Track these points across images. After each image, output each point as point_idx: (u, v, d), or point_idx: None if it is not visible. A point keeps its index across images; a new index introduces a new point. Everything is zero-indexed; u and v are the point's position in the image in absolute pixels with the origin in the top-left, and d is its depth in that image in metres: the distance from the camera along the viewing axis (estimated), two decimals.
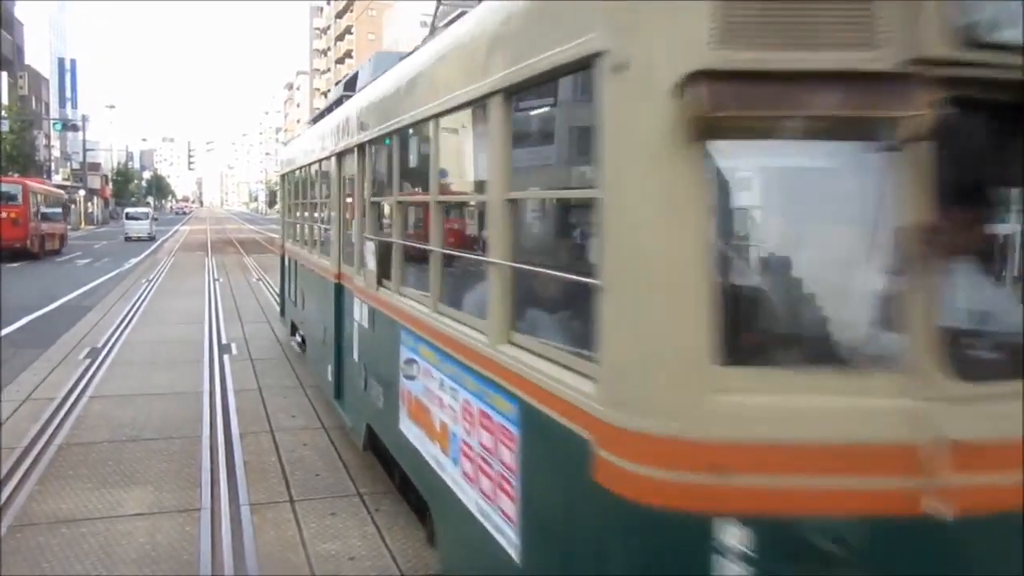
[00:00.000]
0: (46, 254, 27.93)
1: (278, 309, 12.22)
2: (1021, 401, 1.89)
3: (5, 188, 26.25)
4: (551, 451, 2.37)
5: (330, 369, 6.44)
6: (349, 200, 5.90)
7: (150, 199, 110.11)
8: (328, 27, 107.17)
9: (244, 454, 5.91)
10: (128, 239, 39.57)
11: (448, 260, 3.51)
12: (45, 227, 28.53)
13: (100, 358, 9.42)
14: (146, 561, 4.19)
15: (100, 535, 4.49)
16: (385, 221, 4.82)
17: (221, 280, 19.47)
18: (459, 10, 3.58)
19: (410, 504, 4.63)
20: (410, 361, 3.78)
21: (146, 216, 43.25)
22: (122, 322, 12.28)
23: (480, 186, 3.08)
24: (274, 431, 6.54)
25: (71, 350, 9.88)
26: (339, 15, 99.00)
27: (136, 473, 5.51)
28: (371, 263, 4.82)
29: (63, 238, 32.02)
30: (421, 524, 4.41)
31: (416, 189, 4.26)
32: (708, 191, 1.93)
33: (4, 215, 25.13)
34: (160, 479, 5.40)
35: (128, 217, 42.99)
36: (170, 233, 49.86)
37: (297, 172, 9.32)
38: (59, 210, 32.36)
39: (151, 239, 40.43)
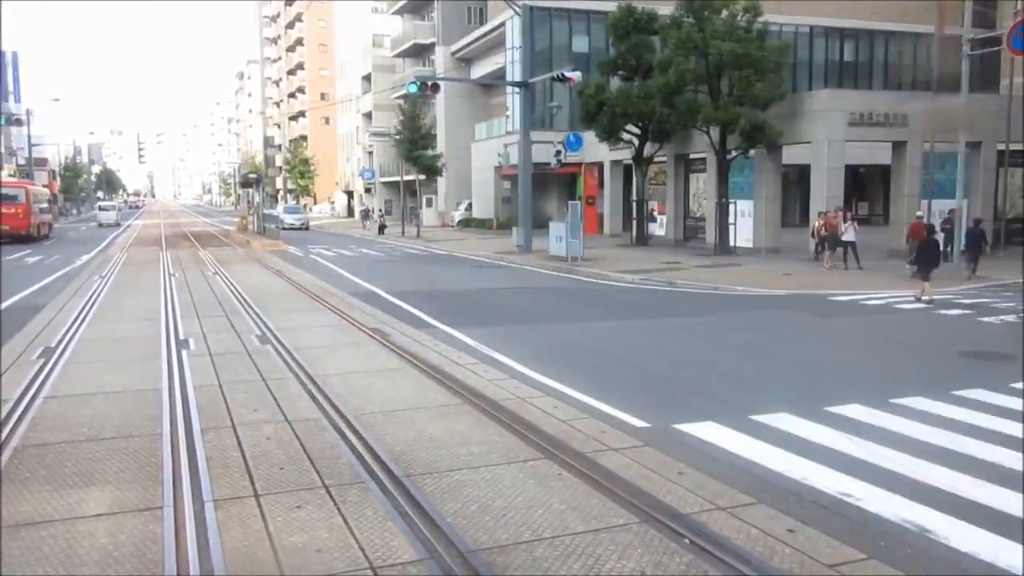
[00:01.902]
0: (40, 238, 36.37)
1: (264, 317, 11.57)
2: None
3: (13, 192, 34.41)
4: None
5: None
6: None
7: (100, 194, 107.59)
8: (278, 15, 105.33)
9: (206, 450, 5.85)
10: (101, 225, 52.45)
11: None
12: (39, 219, 37.06)
13: (54, 357, 9.23)
14: (109, 562, 4.13)
15: (61, 537, 4.42)
16: None
17: (177, 275, 19.16)
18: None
19: None
20: None
21: (114, 208, 61.61)
22: (76, 320, 12.03)
23: None
24: (236, 426, 6.48)
25: (24, 350, 9.67)
26: (288, 3, 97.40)
27: (96, 473, 5.42)
28: None
29: (50, 226, 41.22)
30: None
31: None
32: None
33: (14, 211, 33.33)
34: (121, 478, 5.32)
35: (100, 208, 59.76)
36: (122, 228, 49.14)
37: None
38: (47, 205, 42.15)
39: (117, 225, 53.04)
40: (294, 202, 69.46)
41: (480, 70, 49.03)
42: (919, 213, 20.47)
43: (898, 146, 24.40)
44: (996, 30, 25.40)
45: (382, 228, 42.78)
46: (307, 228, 48.05)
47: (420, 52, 56.42)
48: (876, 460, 6.10)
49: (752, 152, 25.67)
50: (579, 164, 35.83)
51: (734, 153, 25.63)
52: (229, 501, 4.90)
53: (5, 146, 59.71)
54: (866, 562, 4.20)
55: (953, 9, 23.90)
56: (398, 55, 59.75)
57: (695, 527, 4.51)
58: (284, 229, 42.65)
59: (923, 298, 14.98)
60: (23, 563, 4.12)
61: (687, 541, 4.33)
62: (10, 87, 66.62)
